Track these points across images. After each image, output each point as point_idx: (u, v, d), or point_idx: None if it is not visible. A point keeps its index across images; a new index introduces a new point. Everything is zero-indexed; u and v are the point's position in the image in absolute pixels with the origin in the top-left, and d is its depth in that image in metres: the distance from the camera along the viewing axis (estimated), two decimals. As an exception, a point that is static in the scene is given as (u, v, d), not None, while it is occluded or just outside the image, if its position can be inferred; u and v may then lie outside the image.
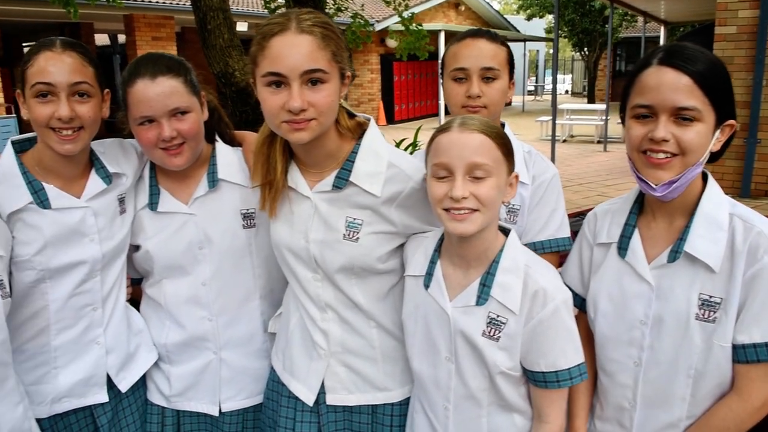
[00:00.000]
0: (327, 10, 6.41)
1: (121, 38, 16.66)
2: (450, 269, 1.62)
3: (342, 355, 1.78)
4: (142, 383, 2.03)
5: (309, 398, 1.81)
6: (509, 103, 23.43)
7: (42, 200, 1.77)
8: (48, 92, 1.70)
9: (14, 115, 11.29)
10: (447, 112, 1.99)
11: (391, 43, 17.37)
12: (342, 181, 1.68)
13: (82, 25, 14.89)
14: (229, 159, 1.97)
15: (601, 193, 9.68)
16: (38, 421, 1.78)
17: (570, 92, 37.85)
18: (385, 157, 1.70)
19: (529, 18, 29.01)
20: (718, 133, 1.46)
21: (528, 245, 1.79)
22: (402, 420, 1.81)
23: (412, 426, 1.76)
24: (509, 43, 1.97)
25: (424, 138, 7.57)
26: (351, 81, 1.68)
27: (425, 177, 1.61)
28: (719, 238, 1.47)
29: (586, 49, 26.92)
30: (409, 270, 1.71)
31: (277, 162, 1.72)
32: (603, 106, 15.25)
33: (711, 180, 1.55)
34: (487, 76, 1.89)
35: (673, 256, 1.52)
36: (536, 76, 42.00)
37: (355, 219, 1.69)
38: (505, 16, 29.24)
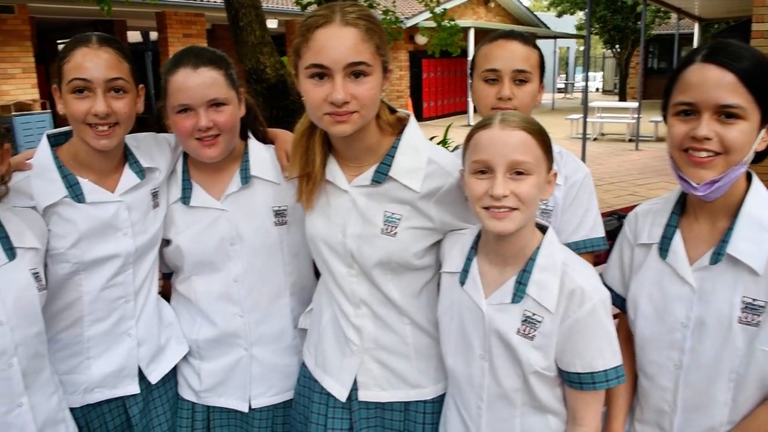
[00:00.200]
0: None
1: (153, 35, 16.87)
2: (486, 266, 1.61)
3: (375, 351, 1.78)
4: (172, 376, 2.04)
5: (341, 394, 1.80)
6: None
7: (77, 194, 1.79)
8: (85, 88, 1.71)
9: (49, 110, 11.52)
10: (476, 110, 1.98)
11: (421, 39, 17.32)
12: (381, 176, 1.67)
13: (115, 22, 15.10)
14: (261, 156, 1.98)
15: (632, 192, 9.56)
16: (71, 410, 1.82)
17: (601, 90, 37.42)
18: (425, 152, 1.69)
19: (559, 15, 28.71)
20: (763, 132, 1.42)
21: None
22: (434, 417, 1.79)
23: (445, 423, 1.75)
24: (539, 41, 1.95)
25: (453, 135, 7.56)
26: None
27: (462, 172, 1.59)
28: (763, 239, 1.43)
29: (617, 46, 26.60)
30: (446, 266, 1.70)
31: (316, 154, 1.72)
32: (635, 104, 15.07)
33: (755, 180, 1.51)
34: (519, 78, 1.88)
35: (716, 258, 1.48)
36: (566, 74, 41.61)
37: (393, 214, 1.69)
38: (535, 12, 28.96)
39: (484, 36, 2.04)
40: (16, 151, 1.84)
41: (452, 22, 7.47)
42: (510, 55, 1.88)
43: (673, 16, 17.96)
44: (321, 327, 1.86)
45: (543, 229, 1.60)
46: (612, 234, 1.95)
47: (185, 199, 1.94)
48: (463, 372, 1.64)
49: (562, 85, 37.94)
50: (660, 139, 15.62)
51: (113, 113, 1.73)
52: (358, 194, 1.71)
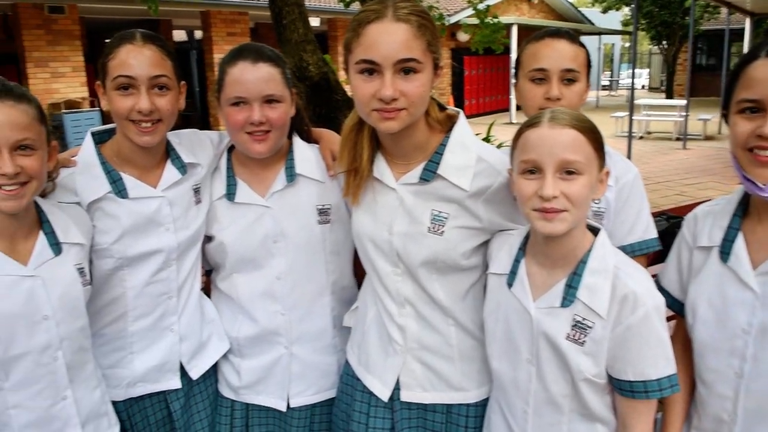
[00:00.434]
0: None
1: (198, 34, 17.14)
2: (535, 268, 1.56)
3: (418, 351, 1.75)
4: (213, 372, 2.05)
5: (384, 394, 1.79)
6: (582, 99, 22.81)
7: (120, 190, 1.80)
8: (129, 85, 1.72)
9: (98, 108, 11.80)
10: (518, 108, 1.93)
11: (463, 36, 17.16)
12: (429, 174, 1.65)
13: (161, 21, 15.38)
14: (306, 154, 1.97)
15: (679, 192, 9.33)
16: (114, 403, 1.84)
17: (647, 87, 36.68)
18: (474, 150, 1.66)
19: (605, 10, 28.21)
20: None
21: None
22: (477, 421, 1.76)
23: (489, 426, 1.71)
24: (584, 37, 1.89)
25: (496, 133, 7.48)
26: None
27: (510, 172, 1.55)
28: None
29: (664, 42, 26.03)
30: (493, 268, 1.66)
31: (364, 150, 1.71)
32: (683, 102, 14.75)
33: None
34: (567, 77, 1.85)
35: None
36: (611, 71, 40.91)
37: (440, 212, 1.66)
38: (579, 8, 28.52)
39: (528, 33, 1.99)
40: (65, 148, 1.87)
41: (495, 19, 7.37)
42: (558, 55, 1.84)
43: (723, 10, 17.47)
44: (365, 325, 1.86)
45: (594, 230, 1.55)
46: (661, 235, 1.90)
47: (230, 195, 1.94)
48: (509, 376, 1.60)
49: (607, 83, 37.34)
50: (708, 138, 15.24)
51: (156, 110, 1.74)
52: (405, 192, 1.69)
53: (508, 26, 18.03)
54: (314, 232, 1.93)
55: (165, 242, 1.85)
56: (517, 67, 1.96)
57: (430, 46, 1.54)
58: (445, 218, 1.66)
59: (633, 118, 11.56)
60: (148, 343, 1.89)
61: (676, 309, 1.66)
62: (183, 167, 1.90)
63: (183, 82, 1.87)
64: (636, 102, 13.68)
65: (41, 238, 1.61)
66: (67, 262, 1.64)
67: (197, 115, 16.89)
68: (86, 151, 1.83)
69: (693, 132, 14.95)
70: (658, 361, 1.45)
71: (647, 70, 38.71)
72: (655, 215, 2.11)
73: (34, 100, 1.55)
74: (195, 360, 1.97)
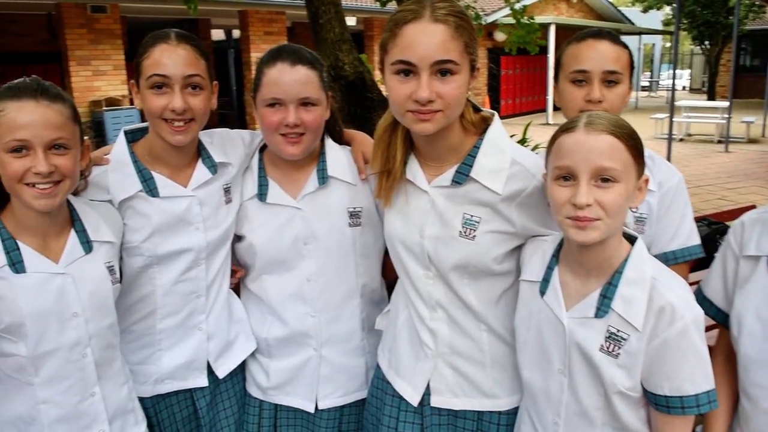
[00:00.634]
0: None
1: (236, 33, 17.32)
2: (568, 277, 1.51)
3: (449, 356, 1.73)
4: (239, 371, 2.05)
5: (414, 398, 1.77)
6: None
7: (151, 188, 1.81)
8: (163, 84, 1.73)
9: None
10: (555, 108, 1.89)
11: (499, 36, 17.03)
12: (462, 176, 1.62)
13: (200, 21, 15.60)
14: (338, 157, 1.96)
15: (721, 196, 9.09)
16: (141, 400, 1.85)
17: (688, 88, 35.91)
18: (508, 153, 1.62)
19: (645, 10, 27.68)
20: None
21: (658, 256, 1.67)
22: (508, 430, 1.73)
23: None
24: (624, 37, 1.83)
25: (532, 134, 7.38)
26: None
27: (545, 177, 1.51)
28: None
29: (707, 42, 25.44)
30: (525, 274, 1.62)
31: (397, 151, 1.69)
32: (725, 104, 14.37)
33: None
34: (609, 79, 1.80)
35: None
36: (651, 71, 40.16)
37: (472, 216, 1.63)
38: (619, 8, 28.04)
39: (566, 32, 1.94)
40: (105, 145, 1.88)
41: (531, 20, 7.27)
42: (600, 56, 1.79)
43: (770, 10, 16.99)
44: (396, 329, 1.84)
45: (631, 239, 1.50)
46: (701, 241, 1.85)
47: (261, 195, 1.94)
48: (540, 386, 1.56)
49: (647, 83, 36.65)
50: (752, 141, 14.84)
51: (189, 109, 1.75)
52: (437, 195, 1.67)
53: (546, 26, 17.84)
54: (345, 234, 1.92)
55: (194, 241, 1.86)
56: (557, 68, 1.92)
57: (467, 47, 1.51)
58: (477, 222, 1.63)
59: (673, 119, 11.32)
60: (176, 341, 1.90)
61: (720, 320, 1.60)
62: (214, 167, 1.90)
63: (216, 82, 1.87)
64: (677, 103, 13.40)
65: (72, 236, 1.63)
66: (97, 260, 1.65)
67: (234, 113, 17.08)
68: (119, 150, 1.84)
69: (736, 134, 14.57)
70: (696, 377, 1.39)
71: (688, 71, 37.90)
72: (695, 220, 2.05)
73: (69, 99, 1.57)
74: (222, 359, 1.98)
